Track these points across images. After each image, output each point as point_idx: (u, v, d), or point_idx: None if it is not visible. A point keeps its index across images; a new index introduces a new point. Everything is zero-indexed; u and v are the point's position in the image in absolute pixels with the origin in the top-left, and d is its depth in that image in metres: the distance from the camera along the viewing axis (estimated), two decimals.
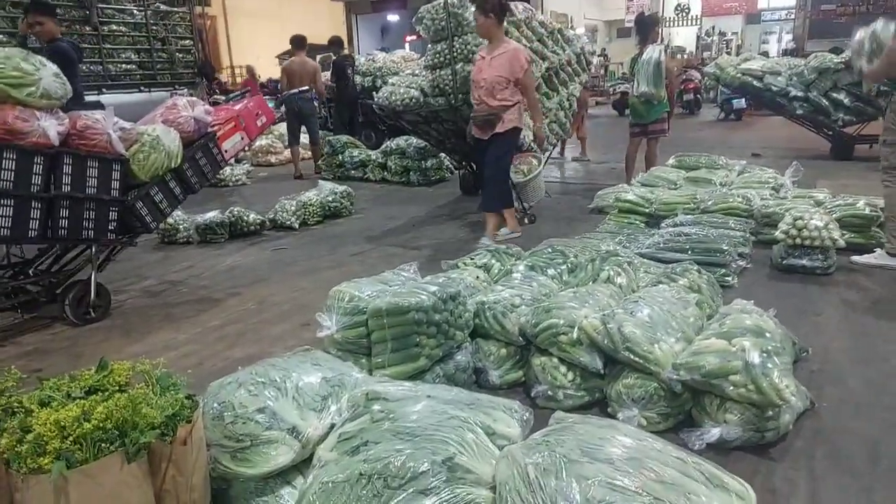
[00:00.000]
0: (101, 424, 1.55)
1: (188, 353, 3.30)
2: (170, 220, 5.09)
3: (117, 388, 1.86)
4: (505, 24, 4.90)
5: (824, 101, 8.12)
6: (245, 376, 2.08)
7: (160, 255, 5.28)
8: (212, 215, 5.66)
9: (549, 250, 3.58)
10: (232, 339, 3.48)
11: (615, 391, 2.41)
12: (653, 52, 6.17)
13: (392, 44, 24.48)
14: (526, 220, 5.57)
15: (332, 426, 1.88)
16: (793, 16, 21.61)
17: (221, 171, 6.92)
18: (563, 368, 2.58)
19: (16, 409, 1.68)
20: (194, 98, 4.53)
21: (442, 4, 5.88)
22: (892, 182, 3.99)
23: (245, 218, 5.75)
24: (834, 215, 4.18)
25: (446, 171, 8.28)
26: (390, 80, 6.90)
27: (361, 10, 29.48)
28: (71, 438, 1.53)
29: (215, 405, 1.93)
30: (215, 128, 4.24)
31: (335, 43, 9.87)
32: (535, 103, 4.98)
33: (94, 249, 3.67)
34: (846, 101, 7.96)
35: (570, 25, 20.97)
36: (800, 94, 8.31)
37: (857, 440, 2.27)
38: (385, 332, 2.51)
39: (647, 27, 6.52)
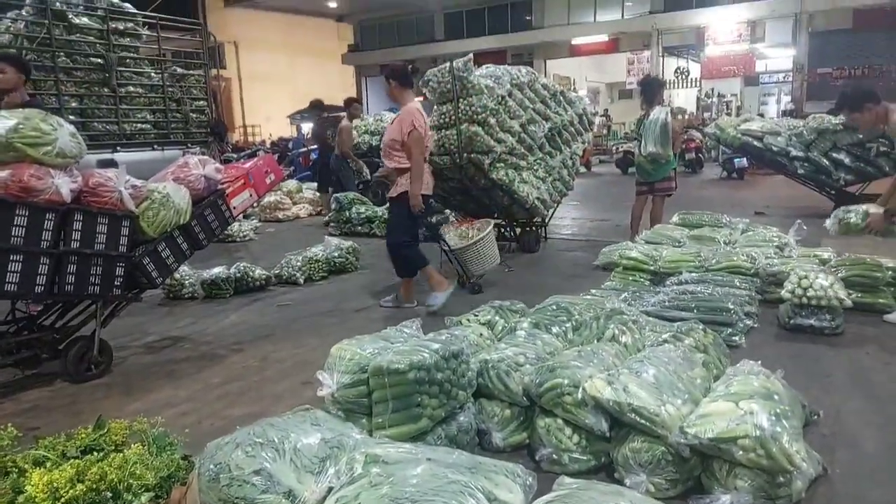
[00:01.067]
0: (94, 486, 1.52)
1: (188, 412, 3.25)
2: (175, 275, 5.12)
3: (113, 447, 1.84)
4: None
5: (825, 160, 8.22)
6: (243, 436, 2.05)
7: (164, 310, 5.28)
8: (217, 271, 5.69)
9: (554, 307, 3.56)
10: (233, 397, 3.44)
11: (622, 455, 2.35)
12: (659, 113, 6.36)
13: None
14: (468, 291, 5.33)
15: (330, 489, 1.83)
16: (790, 78, 22.16)
17: (229, 227, 7.01)
18: (568, 431, 2.53)
19: (9, 469, 1.66)
20: (206, 156, 4.64)
21: (448, 68, 6.08)
22: None
23: (251, 273, 5.78)
24: (840, 274, 4.16)
25: None
26: None
27: (370, 72, 30.53)
28: (63, 500, 1.50)
29: (211, 466, 1.89)
30: (225, 185, 4.32)
31: (315, 106, 10.41)
32: (416, 169, 4.61)
33: (98, 305, 3.69)
34: (847, 160, 8.06)
35: (572, 87, 21.59)
36: (800, 153, 8.43)
37: None
38: (386, 392, 2.48)
39: (652, 89, 6.74)
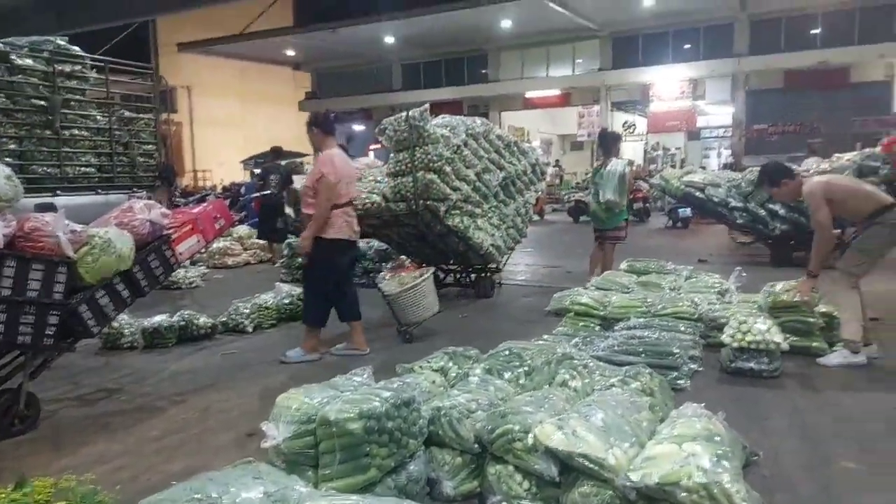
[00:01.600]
0: None
1: (122, 467, 3.08)
2: (114, 323, 4.90)
3: None
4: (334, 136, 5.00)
5: (762, 211, 8.63)
6: (179, 492, 1.95)
7: (101, 360, 5.03)
8: (160, 319, 5.48)
9: (507, 353, 3.57)
10: (171, 450, 3.28)
11: (571, 500, 2.34)
12: (617, 165, 6.72)
13: (357, 151, 25.39)
14: (401, 340, 5.35)
15: None
16: (729, 133, 23.44)
17: (175, 274, 6.81)
18: (518, 477, 2.51)
19: None
20: (152, 201, 4.54)
21: (404, 117, 6.20)
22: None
23: (196, 321, 5.59)
24: (778, 320, 4.32)
25: None
26: None
27: None
28: None
29: None
30: (171, 230, 4.22)
31: (275, 151, 10.65)
32: (318, 213, 4.60)
33: (28, 356, 3.49)
34: (781, 211, 8.48)
35: (526, 138, 22.26)
36: (739, 204, 8.84)
37: None
38: (334, 442, 2.41)
39: (609, 142, 7.17)
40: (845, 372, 4.11)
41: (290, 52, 27.48)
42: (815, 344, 4.41)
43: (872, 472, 2.77)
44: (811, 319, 4.46)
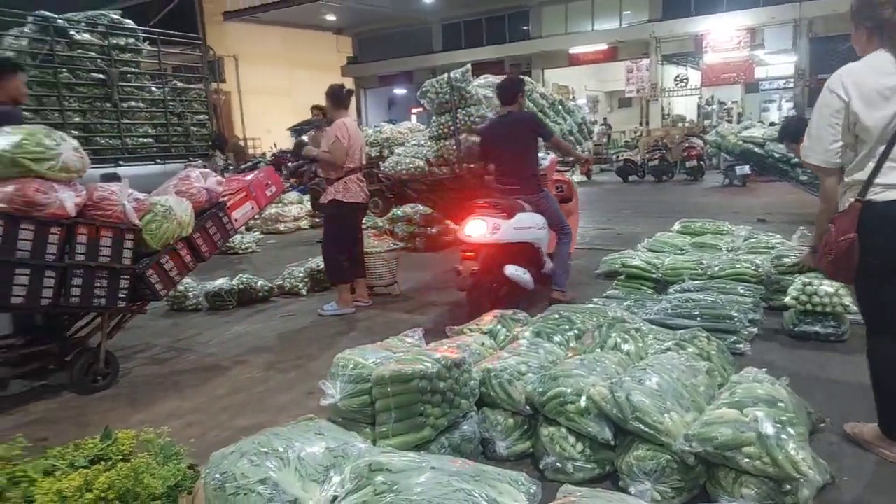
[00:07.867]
0: (102, 494, 1.53)
1: (192, 423, 3.26)
2: (179, 287, 5.14)
3: (121, 457, 1.86)
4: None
5: None
6: (248, 446, 2.05)
7: (169, 322, 5.30)
8: (221, 282, 5.72)
9: (556, 316, 3.56)
10: (237, 408, 3.45)
11: (626, 463, 2.35)
12: None
13: (399, 115, 25.34)
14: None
15: (335, 498, 1.83)
16: (791, 84, 22.22)
17: (231, 239, 7.04)
18: (571, 439, 2.52)
19: (20, 478, 1.67)
20: (207, 170, 4.68)
21: (446, 79, 6.11)
22: None
23: (254, 285, 5.80)
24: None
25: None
26: (396, 150, 7.08)
27: (369, 84, 30.69)
28: None
29: (217, 475, 1.90)
30: (226, 197, 4.35)
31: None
32: (325, 157, 5.17)
33: (104, 317, 3.71)
34: None
35: (571, 96, 21.67)
36: None
37: None
38: (389, 401, 2.48)
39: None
40: None
41: (331, 17, 27.35)
42: None
43: None
44: None
